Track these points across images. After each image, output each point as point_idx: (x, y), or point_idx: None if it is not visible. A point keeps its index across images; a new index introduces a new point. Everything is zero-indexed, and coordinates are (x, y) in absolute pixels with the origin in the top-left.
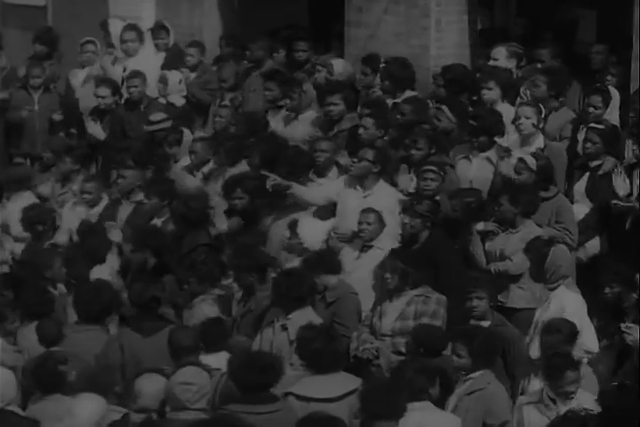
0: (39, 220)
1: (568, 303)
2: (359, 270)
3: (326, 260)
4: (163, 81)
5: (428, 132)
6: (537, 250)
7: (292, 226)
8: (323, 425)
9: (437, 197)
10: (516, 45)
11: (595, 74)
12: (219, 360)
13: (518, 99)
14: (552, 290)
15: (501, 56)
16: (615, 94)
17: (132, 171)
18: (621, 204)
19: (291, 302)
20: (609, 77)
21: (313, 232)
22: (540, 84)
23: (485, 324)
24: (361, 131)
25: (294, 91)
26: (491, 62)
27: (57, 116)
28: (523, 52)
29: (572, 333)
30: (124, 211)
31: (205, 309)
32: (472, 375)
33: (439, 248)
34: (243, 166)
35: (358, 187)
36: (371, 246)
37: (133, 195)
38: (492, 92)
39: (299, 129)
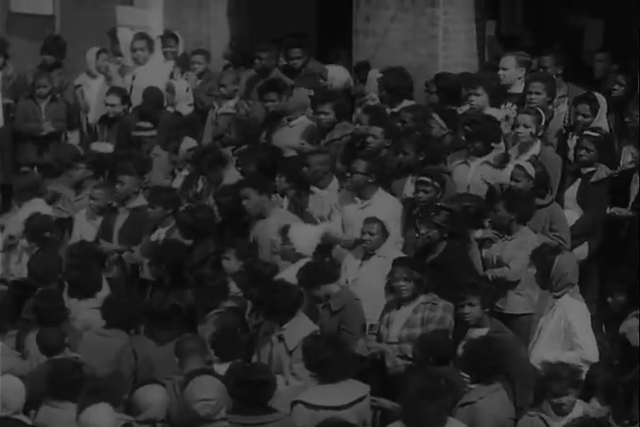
0: (43, 228)
1: (572, 311)
2: (362, 278)
3: (323, 269)
4: (170, 90)
5: (415, 138)
6: (543, 257)
7: (284, 231)
8: None
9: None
10: (524, 54)
11: (598, 82)
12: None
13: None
14: (557, 298)
15: (511, 65)
16: (602, 101)
17: (129, 177)
18: (618, 214)
19: (281, 316)
20: (616, 86)
21: (305, 237)
22: (541, 92)
23: (483, 331)
24: (370, 139)
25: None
26: (500, 72)
27: (49, 127)
28: (531, 61)
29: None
30: (121, 218)
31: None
32: (472, 386)
33: (457, 260)
34: (233, 174)
35: (356, 198)
36: (373, 254)
37: (130, 201)
38: (479, 98)
39: (290, 136)
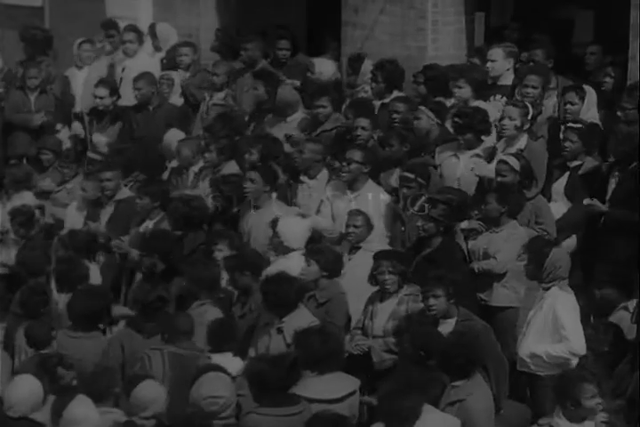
0: (29, 221)
1: (560, 304)
2: (350, 272)
3: (334, 261)
4: (168, 82)
5: (399, 130)
6: (539, 249)
7: (273, 224)
8: (332, 423)
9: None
10: (512, 45)
11: (589, 74)
12: (223, 361)
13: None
14: (546, 290)
15: (499, 57)
16: (592, 93)
17: (113, 172)
18: (594, 208)
19: (282, 308)
20: (607, 79)
21: (293, 230)
22: (537, 86)
23: (452, 321)
24: (359, 131)
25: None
26: (489, 64)
27: (39, 119)
28: (518, 52)
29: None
30: (107, 211)
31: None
32: (456, 384)
33: (451, 255)
34: (231, 164)
35: (347, 190)
36: (359, 248)
37: (115, 194)
38: (462, 91)
39: (287, 131)
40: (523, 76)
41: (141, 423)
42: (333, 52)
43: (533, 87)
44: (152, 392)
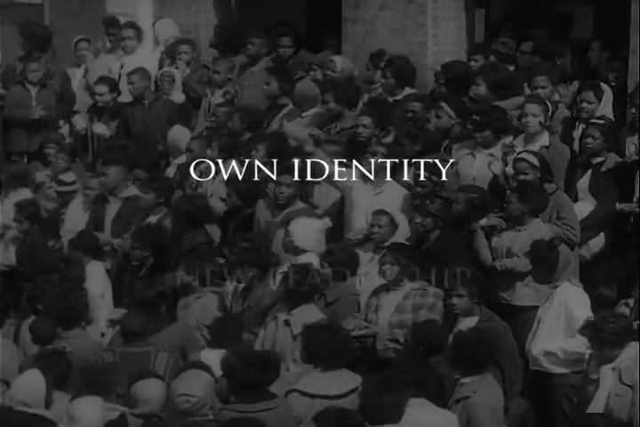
0: (36, 215)
1: (572, 298)
2: (374, 271)
3: (346, 263)
4: (168, 79)
5: (410, 130)
6: (546, 254)
7: (286, 224)
8: (340, 418)
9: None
10: (506, 41)
11: (592, 70)
12: (217, 357)
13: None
14: (555, 287)
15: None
16: (607, 91)
17: (115, 167)
18: (627, 209)
19: (297, 297)
20: (615, 75)
21: (305, 231)
22: (546, 85)
23: (473, 320)
24: (360, 129)
25: (291, 88)
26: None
27: (40, 112)
28: (509, 48)
29: None
30: (113, 208)
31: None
32: (464, 380)
33: (449, 247)
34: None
35: (369, 184)
36: (383, 247)
37: (121, 191)
38: (479, 88)
39: (299, 127)
40: (526, 73)
41: (130, 419)
42: (333, 48)
43: (542, 87)
44: (150, 392)
